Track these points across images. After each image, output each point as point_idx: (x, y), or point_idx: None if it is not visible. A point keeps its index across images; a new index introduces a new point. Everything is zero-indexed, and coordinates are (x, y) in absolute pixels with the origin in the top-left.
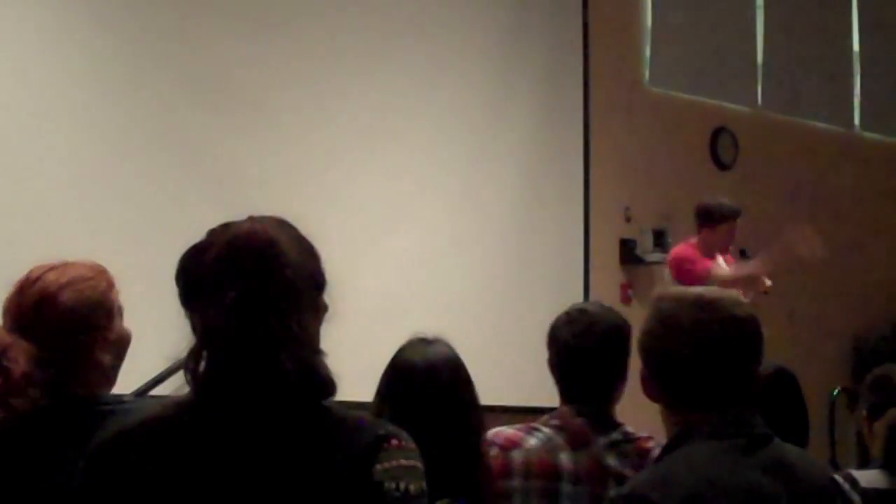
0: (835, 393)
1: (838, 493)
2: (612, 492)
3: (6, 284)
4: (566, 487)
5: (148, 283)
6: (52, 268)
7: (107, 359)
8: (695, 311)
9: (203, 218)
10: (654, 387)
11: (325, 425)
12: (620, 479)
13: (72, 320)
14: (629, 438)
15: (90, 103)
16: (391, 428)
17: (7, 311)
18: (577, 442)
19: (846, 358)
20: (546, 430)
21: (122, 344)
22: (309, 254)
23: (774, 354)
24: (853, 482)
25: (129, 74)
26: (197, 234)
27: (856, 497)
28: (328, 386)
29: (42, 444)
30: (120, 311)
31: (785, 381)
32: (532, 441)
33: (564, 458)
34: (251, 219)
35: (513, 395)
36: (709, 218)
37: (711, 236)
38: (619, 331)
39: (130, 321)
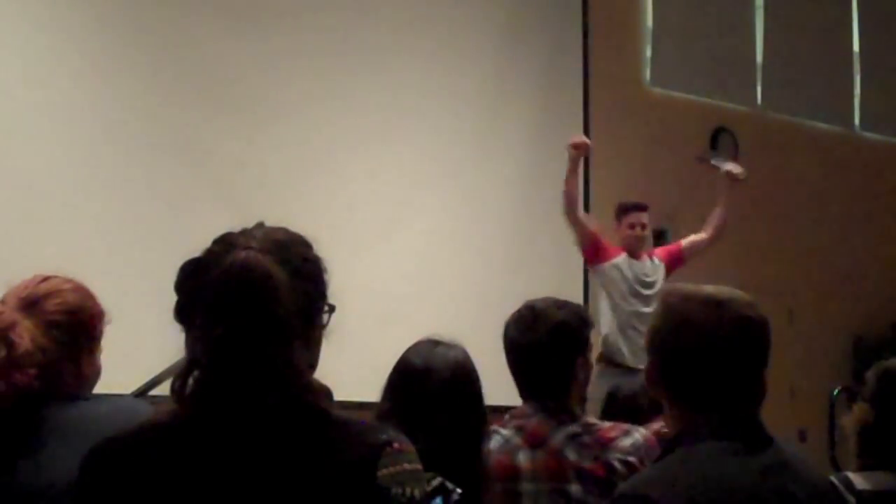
0: (835, 393)
1: (837, 498)
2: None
3: (8, 284)
4: (525, 486)
5: (149, 282)
6: (60, 275)
7: (89, 370)
8: (706, 309)
9: (204, 217)
10: (660, 382)
11: (324, 430)
12: (580, 472)
13: (75, 317)
14: (589, 430)
15: (90, 104)
16: (391, 432)
17: (13, 297)
18: (534, 440)
19: (846, 358)
20: (505, 431)
21: (97, 371)
22: (308, 279)
23: (774, 354)
24: (848, 484)
25: (129, 75)
26: (197, 234)
27: (851, 499)
28: (317, 404)
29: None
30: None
31: None
32: (490, 445)
33: (522, 458)
34: (249, 247)
35: (512, 394)
36: (616, 213)
37: (618, 230)
38: (566, 326)
39: (131, 320)
